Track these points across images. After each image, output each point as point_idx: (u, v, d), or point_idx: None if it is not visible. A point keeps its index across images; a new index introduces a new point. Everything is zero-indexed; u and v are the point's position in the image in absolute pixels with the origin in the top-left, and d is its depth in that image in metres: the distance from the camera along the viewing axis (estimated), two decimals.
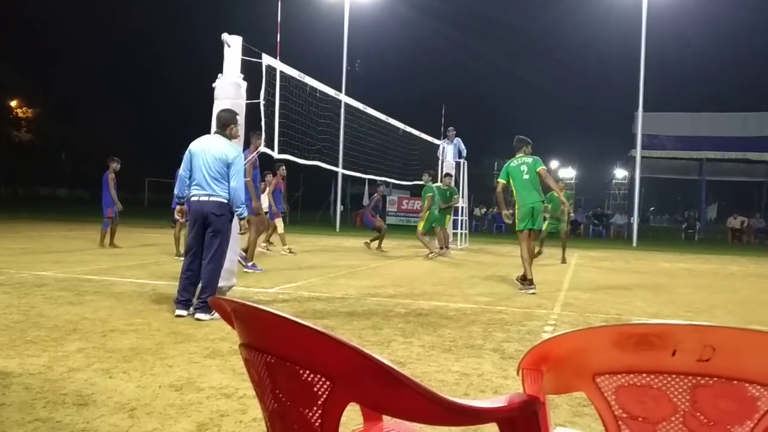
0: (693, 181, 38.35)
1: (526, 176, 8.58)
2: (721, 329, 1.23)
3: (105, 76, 67.83)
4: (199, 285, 5.89)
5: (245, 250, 9.90)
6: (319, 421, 1.21)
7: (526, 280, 8.49)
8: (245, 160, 9.56)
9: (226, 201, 5.86)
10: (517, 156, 8.84)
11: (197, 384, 3.73)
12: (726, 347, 1.18)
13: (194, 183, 5.88)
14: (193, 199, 5.89)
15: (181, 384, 3.72)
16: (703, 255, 18.93)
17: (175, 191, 6.09)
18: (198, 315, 5.71)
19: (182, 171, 5.95)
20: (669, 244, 25.22)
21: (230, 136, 6.04)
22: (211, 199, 5.81)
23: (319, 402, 1.20)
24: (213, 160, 5.81)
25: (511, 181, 8.70)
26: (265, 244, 13.62)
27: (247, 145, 8.10)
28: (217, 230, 5.84)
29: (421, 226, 14.20)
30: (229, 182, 5.85)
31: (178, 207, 6.16)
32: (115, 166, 13.03)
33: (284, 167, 12.95)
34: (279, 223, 13.70)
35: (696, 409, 1.22)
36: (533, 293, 8.28)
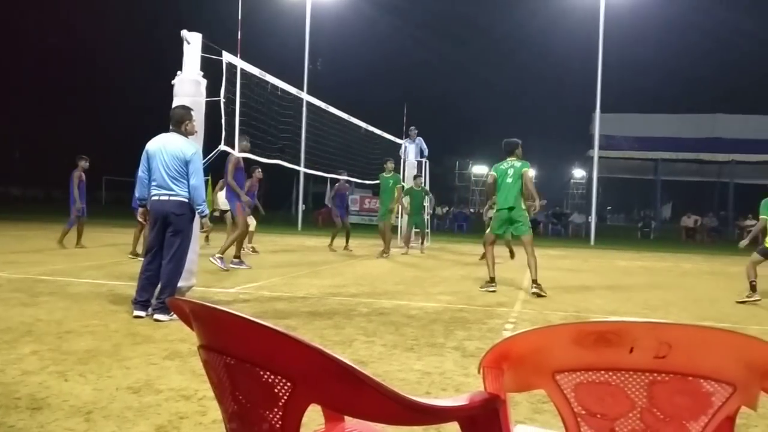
0: (648, 181, 39.25)
1: (509, 179, 8.56)
2: (676, 326, 1.26)
3: (60, 72, 66.30)
4: (159, 285, 5.80)
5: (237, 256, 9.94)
6: (280, 422, 1.20)
7: (490, 279, 8.56)
8: (228, 162, 9.51)
9: (186, 200, 5.79)
10: (508, 159, 8.76)
11: (156, 386, 3.67)
12: (681, 344, 1.20)
13: (154, 183, 5.78)
14: (153, 198, 5.80)
15: (139, 386, 3.65)
16: (659, 253, 19.36)
17: (136, 193, 5.97)
18: (157, 316, 5.62)
19: (141, 172, 5.86)
20: (626, 242, 25.72)
21: (186, 133, 5.95)
22: (171, 198, 5.73)
23: (280, 403, 1.19)
24: (171, 159, 5.72)
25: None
26: (250, 246, 13.41)
27: (210, 143, 7.95)
28: (178, 230, 5.76)
29: (390, 218, 14.14)
30: (188, 181, 5.78)
31: (140, 209, 6.05)
32: (84, 164, 12.64)
33: (260, 170, 12.71)
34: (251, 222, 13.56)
35: (653, 405, 1.25)
36: (493, 291, 8.36)
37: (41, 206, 38.24)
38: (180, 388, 3.63)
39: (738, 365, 1.20)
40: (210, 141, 7.20)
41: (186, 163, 5.75)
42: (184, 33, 6.68)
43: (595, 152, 26.26)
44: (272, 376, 1.18)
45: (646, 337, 1.22)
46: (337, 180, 15.04)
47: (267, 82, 8.95)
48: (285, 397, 1.18)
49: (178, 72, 6.71)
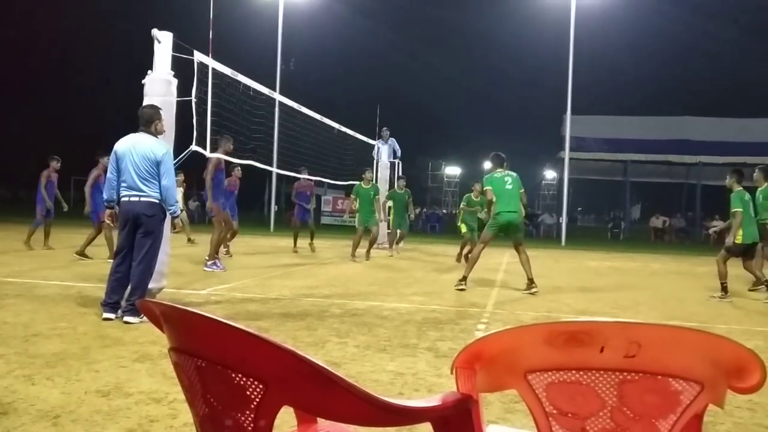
0: (618, 182, 39.75)
1: (509, 186, 8.84)
2: (646, 326, 1.28)
3: (27, 71, 65.08)
4: (129, 287, 5.72)
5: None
6: (252, 425, 1.19)
7: (464, 278, 8.70)
8: (209, 163, 9.43)
9: (157, 201, 5.72)
10: (499, 170, 9.06)
11: (125, 389, 3.62)
12: (651, 343, 1.22)
13: (123, 184, 5.70)
14: (123, 199, 5.72)
15: (109, 389, 3.60)
16: (628, 253, 19.62)
17: (104, 195, 5.88)
18: (127, 318, 5.55)
19: (110, 173, 5.77)
20: (596, 243, 26.02)
21: (156, 132, 5.88)
22: (142, 199, 5.66)
23: (252, 406, 1.18)
24: (141, 159, 5.65)
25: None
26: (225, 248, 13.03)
27: (182, 144, 7.84)
28: (149, 231, 5.70)
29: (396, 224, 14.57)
30: (159, 181, 5.71)
31: (108, 211, 5.95)
32: (55, 165, 12.35)
33: (239, 168, 12.52)
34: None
35: (623, 404, 1.26)
36: (463, 289, 8.41)
37: (6, 207, 37.48)
38: (150, 391, 3.59)
39: (705, 364, 1.23)
40: (181, 141, 7.12)
41: (157, 164, 5.68)
42: (155, 32, 6.60)
43: (566, 154, 26.53)
44: (244, 379, 1.17)
45: (616, 336, 1.23)
46: (297, 178, 14.54)
47: (239, 82, 8.88)
48: (257, 400, 1.17)
49: (149, 71, 6.63)
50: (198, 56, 7.29)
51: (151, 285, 6.32)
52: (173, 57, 6.74)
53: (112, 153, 5.77)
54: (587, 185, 48.21)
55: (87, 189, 11.33)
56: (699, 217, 34.12)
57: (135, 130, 5.89)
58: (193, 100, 7.24)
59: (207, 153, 7.83)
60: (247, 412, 1.19)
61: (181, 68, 6.93)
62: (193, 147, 7.75)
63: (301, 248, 14.34)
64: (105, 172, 11.76)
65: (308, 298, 7.42)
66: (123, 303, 5.71)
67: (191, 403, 1.34)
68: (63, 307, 6.16)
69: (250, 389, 1.17)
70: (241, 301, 7.05)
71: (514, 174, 9.08)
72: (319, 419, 1.55)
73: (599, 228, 45.55)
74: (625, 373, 1.24)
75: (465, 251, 12.57)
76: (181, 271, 9.34)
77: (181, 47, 6.90)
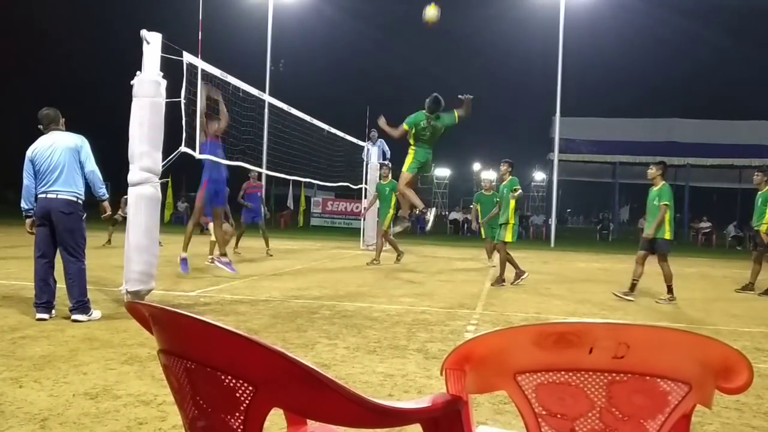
0: (607, 184, 39.95)
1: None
2: (634, 327, 1.28)
3: (13, 72, 64.62)
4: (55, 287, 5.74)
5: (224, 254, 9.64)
6: (242, 427, 1.19)
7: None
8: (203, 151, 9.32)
9: (75, 199, 5.68)
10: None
11: (114, 391, 3.60)
12: (639, 344, 1.22)
13: (41, 185, 5.63)
14: (40, 196, 5.65)
15: (97, 392, 3.58)
16: (617, 255, 19.69)
17: (22, 204, 5.78)
18: (75, 316, 5.57)
19: (26, 181, 5.68)
20: (585, 244, 26.11)
21: (65, 128, 5.91)
22: (59, 196, 5.61)
23: (242, 408, 1.18)
24: (65, 153, 5.63)
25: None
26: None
27: (171, 145, 7.75)
28: (68, 228, 5.65)
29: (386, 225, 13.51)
30: (83, 169, 5.72)
31: (27, 221, 5.82)
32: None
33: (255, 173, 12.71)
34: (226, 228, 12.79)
35: (612, 405, 1.27)
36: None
37: None
38: (139, 394, 3.57)
39: (693, 364, 1.23)
40: (170, 143, 7.09)
41: (78, 152, 5.70)
42: (144, 33, 6.57)
43: (555, 155, 26.62)
44: (234, 381, 1.17)
45: (605, 337, 1.24)
46: (247, 178, 14.05)
47: (228, 83, 8.84)
48: (247, 402, 1.17)
49: (138, 72, 6.60)
50: (187, 57, 7.26)
51: (139, 287, 6.31)
52: (162, 58, 6.72)
53: (26, 160, 5.69)
54: (576, 187, 48.48)
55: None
56: (687, 219, 34.33)
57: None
58: (182, 101, 7.20)
59: (196, 154, 7.78)
60: (237, 414, 1.19)
61: (171, 69, 6.90)
62: (183, 148, 7.71)
63: (243, 248, 14.21)
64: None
65: (298, 299, 7.41)
66: (55, 302, 5.73)
67: (180, 406, 1.34)
68: None
69: (240, 391, 1.17)
70: (231, 303, 7.03)
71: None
72: (308, 421, 1.55)
73: (588, 229, 45.75)
74: (614, 374, 1.25)
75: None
76: (170, 273, 9.30)
77: (170, 48, 6.87)
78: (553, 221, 26.10)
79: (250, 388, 1.15)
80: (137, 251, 6.32)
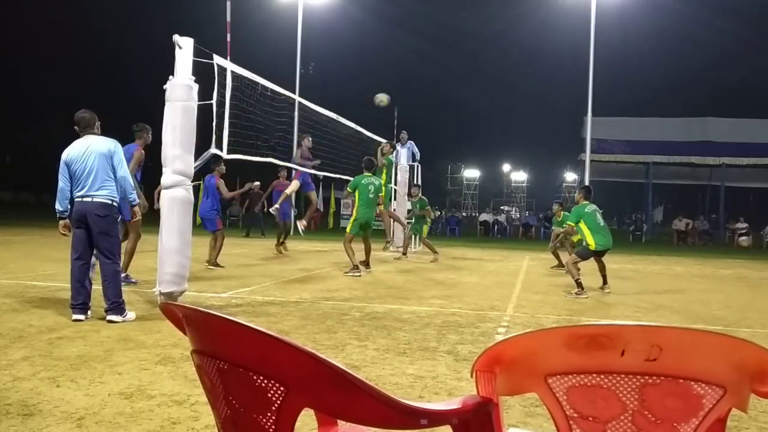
0: (640, 184, 39.31)
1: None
2: (667, 329, 1.27)
3: (52, 75, 65.96)
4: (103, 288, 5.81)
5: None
6: (273, 427, 1.20)
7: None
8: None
9: (110, 201, 5.78)
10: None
11: (148, 391, 3.66)
12: (672, 347, 1.21)
13: (77, 188, 5.74)
14: (76, 200, 5.77)
15: (131, 392, 3.64)
16: (650, 256, 19.41)
17: (57, 206, 5.89)
18: (110, 317, 5.65)
19: (62, 184, 5.78)
20: (617, 245, 25.74)
21: (100, 132, 5.99)
22: (95, 200, 5.71)
23: (273, 408, 1.19)
24: (97, 158, 5.71)
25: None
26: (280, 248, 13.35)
27: (203, 147, 7.84)
28: (104, 231, 5.75)
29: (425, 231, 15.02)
30: (115, 173, 5.80)
31: (61, 222, 5.91)
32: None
33: (285, 172, 12.81)
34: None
35: (644, 408, 1.25)
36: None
37: (32, 211, 38.00)
38: (172, 394, 3.62)
39: (728, 367, 1.21)
40: (202, 145, 7.18)
41: (111, 158, 5.78)
42: (176, 38, 6.66)
43: (587, 156, 26.33)
44: (265, 381, 1.18)
45: (637, 340, 1.23)
46: (277, 176, 14.37)
47: (257, 84, 8.91)
48: (278, 402, 1.18)
49: (170, 77, 6.69)
50: (217, 59, 7.34)
51: (172, 288, 6.39)
52: (194, 62, 6.80)
53: (61, 163, 5.78)
54: (609, 187, 47.81)
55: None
56: (723, 219, 33.68)
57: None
58: (214, 103, 7.28)
59: (224, 155, 7.85)
60: (269, 414, 1.20)
61: (202, 73, 6.99)
62: (212, 150, 7.79)
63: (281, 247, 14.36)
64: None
65: (328, 301, 7.44)
66: (103, 304, 5.79)
67: (213, 405, 1.35)
68: None
69: (272, 392, 1.18)
70: (262, 304, 7.09)
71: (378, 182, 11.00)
72: (339, 421, 1.56)
73: (621, 230, 45.16)
74: (647, 377, 1.24)
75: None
76: (202, 275, 9.42)
77: (201, 52, 6.95)
78: None
79: (282, 388, 1.17)
80: (170, 253, 6.41)
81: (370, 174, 10.88)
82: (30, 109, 61.58)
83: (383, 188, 11.29)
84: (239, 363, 1.22)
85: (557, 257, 12.65)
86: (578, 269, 9.00)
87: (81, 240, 5.79)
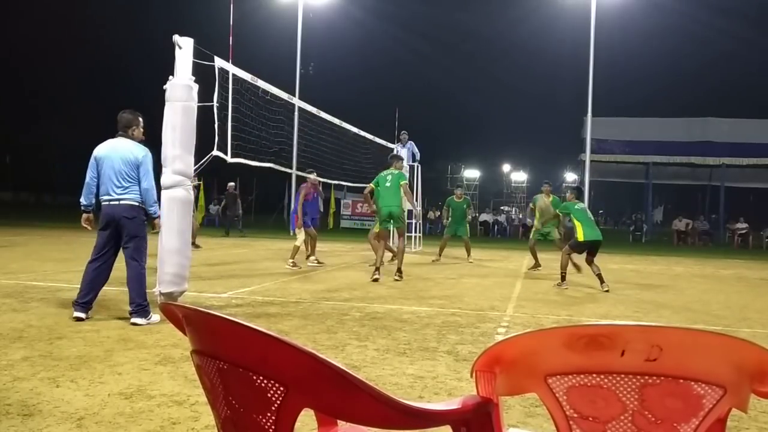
0: (640, 185, 39.33)
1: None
2: (667, 329, 1.27)
3: (52, 75, 65.96)
4: (129, 291, 5.80)
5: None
6: (273, 427, 1.20)
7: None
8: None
9: (137, 204, 5.80)
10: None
11: (148, 392, 3.66)
12: (673, 347, 1.21)
13: (103, 188, 5.77)
14: (103, 203, 5.82)
15: (131, 392, 3.64)
16: (650, 256, 19.42)
17: (81, 200, 5.91)
18: (134, 320, 5.64)
19: (88, 179, 5.82)
20: (617, 245, 25.77)
21: (134, 138, 5.97)
22: (122, 202, 5.74)
23: (273, 408, 1.19)
24: (121, 163, 5.73)
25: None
26: (314, 257, 12.19)
27: (203, 149, 7.79)
28: (132, 234, 5.78)
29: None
30: (139, 184, 5.80)
31: (84, 216, 5.97)
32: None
33: (315, 173, 12.37)
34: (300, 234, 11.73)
35: (644, 408, 1.25)
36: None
37: (32, 211, 38.00)
38: (172, 394, 3.62)
39: (728, 368, 1.21)
40: (203, 146, 7.18)
41: (137, 167, 5.78)
42: (176, 38, 6.66)
43: (587, 156, 26.34)
44: (265, 381, 1.18)
45: (637, 340, 1.23)
46: (305, 180, 12.74)
47: (258, 87, 8.92)
48: (278, 402, 1.18)
49: (170, 77, 6.69)
50: (218, 62, 7.34)
51: (172, 288, 6.39)
52: (194, 62, 6.80)
53: (92, 158, 5.83)
54: (608, 188, 47.85)
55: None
56: (723, 220, 33.69)
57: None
58: (215, 105, 7.29)
59: (228, 158, 7.87)
60: (268, 414, 1.20)
61: (202, 73, 6.99)
62: (215, 152, 7.80)
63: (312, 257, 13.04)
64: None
65: (328, 301, 7.44)
66: (129, 306, 5.79)
67: (213, 406, 1.35)
68: None
69: (271, 392, 1.18)
70: (262, 304, 7.09)
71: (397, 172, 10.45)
72: (339, 421, 1.56)
73: (621, 231, 45.13)
74: (647, 377, 1.24)
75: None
76: (202, 275, 9.42)
77: (201, 53, 6.96)
78: None
79: (282, 388, 1.17)
80: (170, 254, 6.40)
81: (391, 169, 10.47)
82: (30, 109, 61.58)
83: (404, 178, 10.45)
84: (239, 363, 1.22)
85: (534, 255, 12.75)
86: (569, 264, 9.74)
87: (104, 242, 5.83)
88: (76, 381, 3.81)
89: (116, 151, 5.78)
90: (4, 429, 2.98)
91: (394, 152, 17.53)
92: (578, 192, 10.28)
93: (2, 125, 58.60)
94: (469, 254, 14.60)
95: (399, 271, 10.03)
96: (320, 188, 13.07)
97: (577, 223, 9.67)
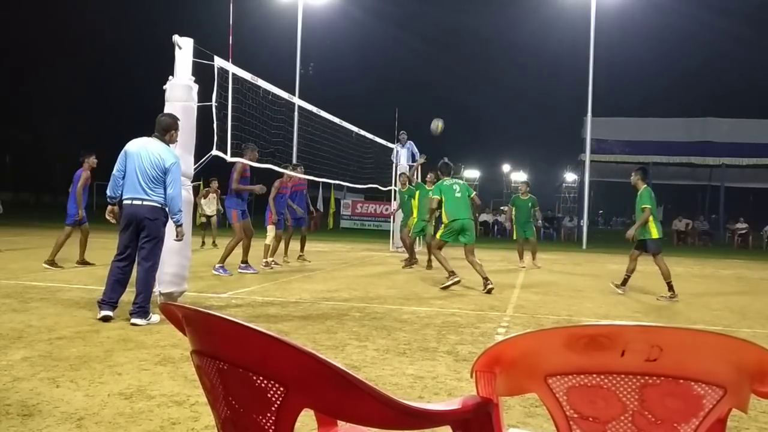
0: None
1: (458, 194, 9.38)
2: (667, 329, 1.27)
3: (52, 75, 65.93)
4: (136, 290, 5.79)
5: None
6: (273, 427, 1.20)
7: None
8: (234, 170, 9.61)
9: (159, 205, 5.78)
10: (446, 179, 9.60)
11: (148, 392, 3.65)
12: (673, 347, 1.21)
13: (128, 185, 5.76)
14: (126, 202, 5.79)
15: (131, 392, 3.64)
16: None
17: (107, 191, 5.91)
18: (134, 320, 5.62)
19: (116, 171, 5.82)
20: (617, 246, 25.77)
21: (169, 141, 5.95)
22: (145, 203, 5.72)
23: (273, 408, 1.19)
24: (149, 164, 5.72)
25: None
26: (272, 259, 11.47)
27: (202, 148, 7.79)
28: (151, 235, 5.76)
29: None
30: (165, 189, 5.77)
31: (109, 207, 5.95)
32: (92, 160, 10.14)
33: (301, 168, 12.15)
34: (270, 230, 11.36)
35: (644, 408, 1.25)
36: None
37: (31, 211, 37.96)
38: (172, 394, 3.62)
39: (728, 368, 1.21)
40: (202, 146, 7.18)
41: (165, 171, 5.75)
42: (176, 38, 6.67)
43: (587, 156, 26.38)
44: (265, 381, 1.18)
45: (637, 340, 1.23)
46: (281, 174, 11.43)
47: (259, 87, 8.92)
48: (278, 402, 1.18)
49: (170, 77, 6.69)
50: (218, 62, 7.34)
51: (172, 289, 6.39)
52: (194, 62, 6.80)
53: (122, 152, 5.83)
54: (608, 188, 47.82)
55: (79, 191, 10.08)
56: (722, 220, 33.69)
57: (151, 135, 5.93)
58: (214, 105, 7.29)
59: (228, 158, 7.86)
60: (268, 415, 1.20)
61: (202, 73, 6.99)
62: (214, 152, 7.80)
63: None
64: (91, 170, 10.26)
65: (328, 301, 7.44)
66: (129, 305, 5.78)
67: (213, 406, 1.35)
68: (86, 310, 6.22)
69: (271, 392, 1.18)
70: (262, 305, 7.09)
71: (462, 181, 9.72)
72: (339, 422, 1.56)
73: (621, 231, 45.12)
74: (647, 377, 1.23)
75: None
76: (203, 275, 9.42)
77: (201, 53, 6.96)
78: (584, 223, 25.82)
79: (281, 388, 1.17)
80: (170, 254, 6.40)
81: (449, 177, 9.63)
82: (30, 109, 61.54)
83: (471, 189, 9.73)
84: (239, 363, 1.21)
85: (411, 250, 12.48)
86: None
87: (126, 241, 5.82)
88: (76, 381, 3.81)
89: (147, 151, 5.75)
90: (4, 429, 2.98)
91: (394, 152, 17.56)
92: (644, 173, 9.53)
93: (2, 125, 58.54)
94: (534, 257, 13.54)
95: (486, 279, 8.93)
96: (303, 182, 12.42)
97: (650, 219, 9.08)
